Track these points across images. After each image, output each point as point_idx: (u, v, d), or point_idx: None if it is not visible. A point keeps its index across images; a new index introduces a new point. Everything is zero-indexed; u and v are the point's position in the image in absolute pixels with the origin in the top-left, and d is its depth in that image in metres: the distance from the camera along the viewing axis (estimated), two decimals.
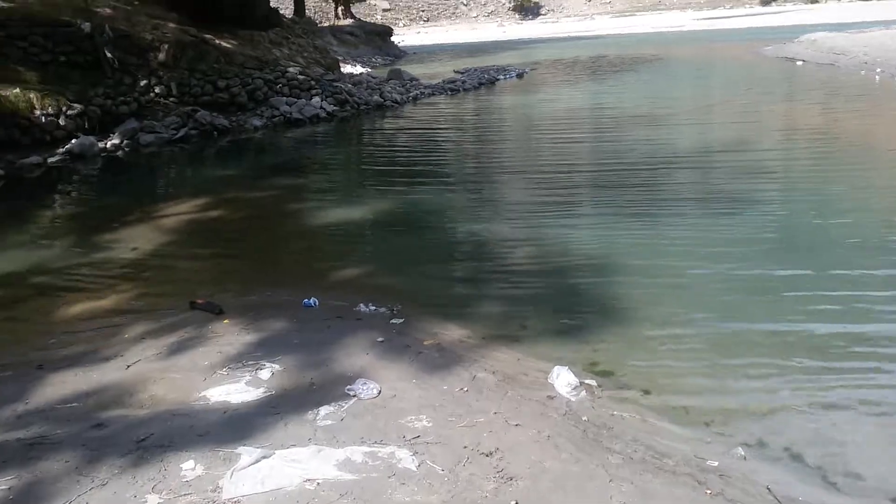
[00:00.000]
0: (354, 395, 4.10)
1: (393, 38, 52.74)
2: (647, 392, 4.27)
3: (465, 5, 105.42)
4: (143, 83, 16.11)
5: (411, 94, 21.76)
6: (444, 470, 3.27)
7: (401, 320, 5.37)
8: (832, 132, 12.79)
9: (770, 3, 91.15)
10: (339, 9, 53.39)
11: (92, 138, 14.00)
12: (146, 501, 3.11)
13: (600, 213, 8.07)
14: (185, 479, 3.28)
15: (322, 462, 3.36)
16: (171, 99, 16.48)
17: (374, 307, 5.64)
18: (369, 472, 3.27)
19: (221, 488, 3.19)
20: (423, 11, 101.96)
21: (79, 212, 10.09)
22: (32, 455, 3.58)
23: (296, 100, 18.03)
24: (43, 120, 13.80)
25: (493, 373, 4.43)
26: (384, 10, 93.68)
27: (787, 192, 8.64)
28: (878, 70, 20.52)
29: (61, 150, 13.43)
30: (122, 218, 8.96)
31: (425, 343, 4.92)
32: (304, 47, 24.53)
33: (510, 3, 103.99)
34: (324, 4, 63.37)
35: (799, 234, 7.02)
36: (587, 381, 4.31)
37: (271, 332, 5.19)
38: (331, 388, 4.23)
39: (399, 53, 49.36)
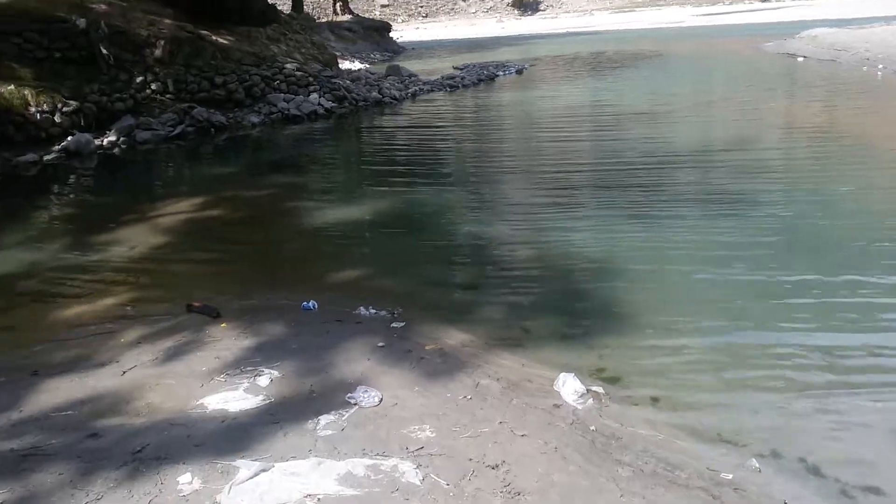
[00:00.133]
0: (355, 404, 4.00)
1: (391, 34, 52.51)
2: (655, 400, 4.18)
3: (464, 1, 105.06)
4: (139, 80, 15.96)
5: (410, 90, 21.62)
6: (448, 484, 3.18)
7: (402, 324, 5.27)
8: (835, 130, 12.70)
9: None
10: (338, 4, 53.19)
11: (88, 135, 13.86)
12: None
13: (602, 214, 7.95)
14: (181, 494, 3.18)
15: (323, 476, 3.27)
16: (168, 95, 16.33)
17: (374, 310, 5.54)
18: (371, 486, 3.17)
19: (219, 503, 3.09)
20: (421, 7, 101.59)
21: (75, 211, 9.96)
22: (26, 467, 3.48)
23: (293, 96, 17.89)
24: (38, 117, 13.65)
25: (498, 379, 4.34)
26: (382, 6, 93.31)
27: (791, 192, 8.53)
28: (881, 66, 20.40)
29: (57, 147, 13.29)
30: (119, 217, 8.84)
31: (427, 348, 4.82)
32: (302, 43, 24.35)
33: None
34: (322, 0, 63.10)
35: (805, 236, 6.91)
36: (594, 389, 4.21)
37: (270, 337, 5.09)
38: (331, 396, 4.13)
39: (397, 49, 49.13)
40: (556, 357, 4.74)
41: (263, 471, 3.30)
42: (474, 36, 62.88)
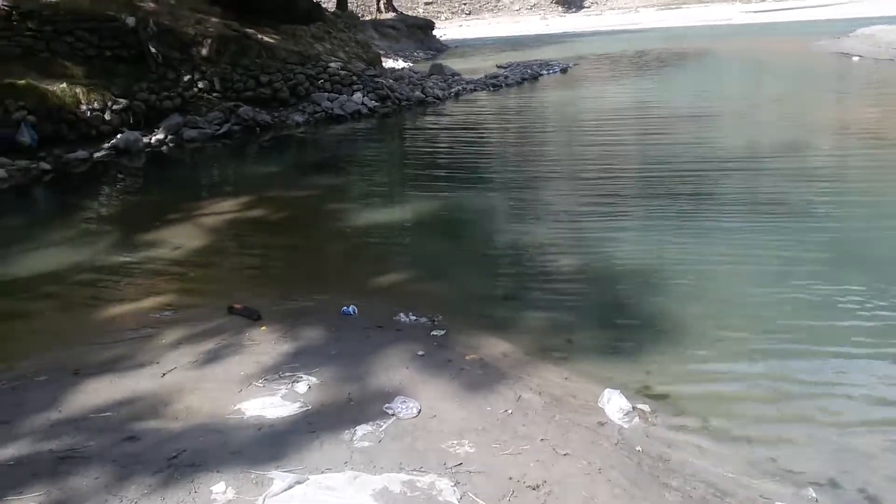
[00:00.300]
0: (393, 414, 3.92)
1: (434, 32, 52.47)
2: (705, 420, 4.00)
3: None
4: (186, 78, 16.19)
5: (453, 89, 21.51)
6: None
7: (442, 332, 5.17)
8: (894, 136, 12.17)
9: None
10: (381, 2, 53.35)
11: (137, 133, 14.10)
12: None
13: (649, 223, 7.70)
14: None
15: (358, 490, 3.18)
16: (214, 94, 16.54)
17: (414, 317, 5.45)
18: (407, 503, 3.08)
19: None
20: (464, 4, 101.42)
21: (122, 208, 10.12)
22: (62, 469, 3.48)
23: (337, 95, 17.95)
24: (89, 115, 13.95)
25: (540, 393, 4.20)
26: (426, 4, 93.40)
27: (847, 202, 8.10)
28: None
29: (107, 144, 13.54)
30: (164, 216, 8.93)
31: (467, 358, 4.71)
32: (346, 42, 24.45)
33: None
34: None
35: (861, 249, 6.54)
36: (640, 406, 4.05)
37: (309, 342, 5.04)
38: (369, 405, 4.05)
39: (441, 47, 49.07)
40: (600, 371, 4.58)
41: (298, 483, 3.23)
42: (518, 34, 62.46)
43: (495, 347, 4.96)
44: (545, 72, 26.88)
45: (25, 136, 12.69)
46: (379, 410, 3.96)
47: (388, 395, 4.14)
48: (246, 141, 14.96)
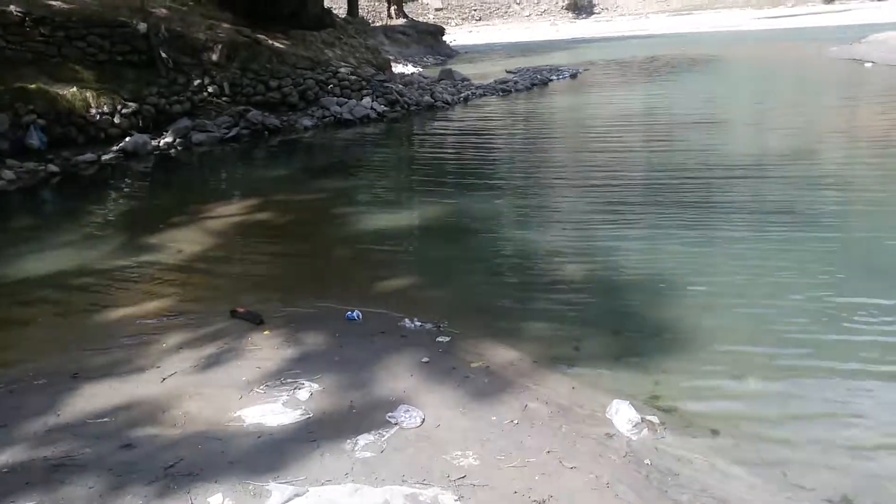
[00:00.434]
0: (396, 424, 3.83)
1: (445, 38, 52.51)
2: (715, 432, 3.88)
3: (518, 4, 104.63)
4: (196, 83, 16.20)
5: (462, 94, 21.45)
6: None
7: (447, 338, 5.08)
8: None
9: (833, 1, 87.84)
10: (392, 8, 53.45)
11: (145, 136, 14.11)
12: None
13: (657, 230, 7.56)
14: None
15: None
16: (224, 98, 16.54)
17: (419, 323, 5.36)
18: None
19: None
20: (475, 10, 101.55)
21: (128, 211, 10.09)
22: (56, 478, 3.41)
23: (346, 100, 17.93)
24: (98, 118, 13.96)
25: (546, 403, 4.10)
26: (436, 10, 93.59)
27: (860, 210, 7.95)
28: None
29: (115, 148, 13.55)
30: (169, 219, 8.89)
31: (472, 365, 4.61)
32: (357, 47, 24.46)
33: (563, 1, 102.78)
34: (377, 4, 63.58)
35: (877, 259, 6.38)
36: (649, 418, 3.94)
37: (312, 347, 4.97)
38: (371, 414, 3.97)
39: (451, 53, 49.09)
40: (608, 381, 4.47)
41: (297, 496, 3.15)
42: (528, 39, 62.44)
43: (501, 355, 4.86)
44: (555, 77, 26.80)
45: (34, 139, 12.71)
46: (382, 419, 3.88)
47: (392, 404, 4.06)
48: (254, 144, 14.94)
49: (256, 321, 5.43)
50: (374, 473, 3.34)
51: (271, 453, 3.57)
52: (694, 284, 5.99)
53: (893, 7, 69.35)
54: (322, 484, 3.25)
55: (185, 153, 14.06)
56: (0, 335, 5.69)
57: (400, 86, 20.49)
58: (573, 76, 27.47)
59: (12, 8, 14.43)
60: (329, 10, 24.32)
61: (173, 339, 5.22)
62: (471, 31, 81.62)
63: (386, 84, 19.69)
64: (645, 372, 4.64)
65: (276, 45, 18.83)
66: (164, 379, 4.53)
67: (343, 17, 30.94)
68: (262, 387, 4.34)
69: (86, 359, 4.96)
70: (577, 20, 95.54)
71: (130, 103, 14.63)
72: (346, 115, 17.14)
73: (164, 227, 8.52)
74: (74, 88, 14.08)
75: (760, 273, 6.13)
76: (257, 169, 13.19)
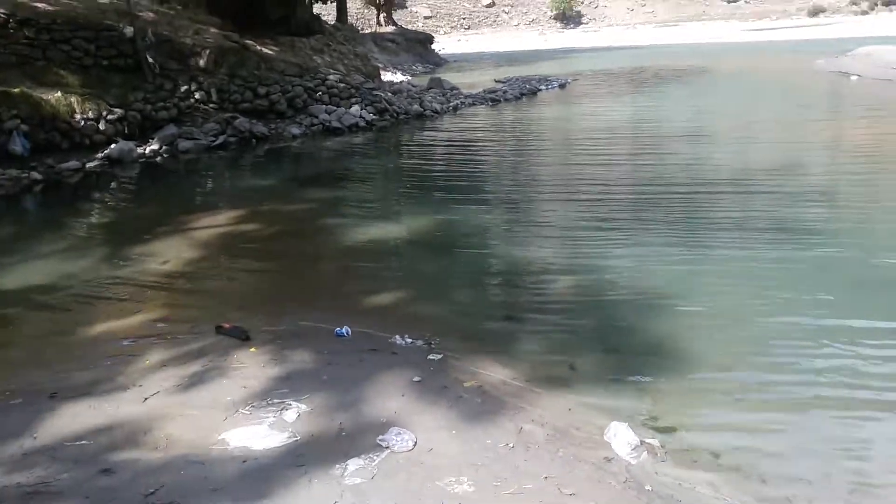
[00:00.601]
0: (387, 447, 3.69)
1: (433, 46, 52.53)
2: (716, 455, 3.77)
3: (507, 13, 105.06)
4: (183, 88, 16.01)
5: (451, 103, 21.38)
6: None
7: (439, 356, 4.95)
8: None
9: (818, 14, 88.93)
10: (381, 16, 53.46)
11: (131, 144, 13.89)
12: None
13: (648, 243, 7.47)
14: None
15: None
16: (211, 105, 16.36)
17: (410, 340, 5.23)
18: None
19: None
20: (464, 19, 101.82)
21: (112, 220, 9.90)
22: None
23: (335, 108, 17.79)
24: (83, 124, 13.74)
25: (542, 425, 3.98)
26: (425, 18, 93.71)
27: (856, 226, 7.87)
28: None
29: (100, 155, 13.33)
30: (154, 228, 8.71)
31: (465, 385, 4.49)
32: (346, 54, 24.35)
33: (552, 11, 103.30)
34: (366, 11, 63.56)
35: (875, 276, 6.33)
36: (648, 441, 3.83)
37: (300, 365, 4.82)
38: (361, 436, 3.83)
39: (439, 61, 49.09)
40: (605, 401, 4.36)
41: None
42: (516, 49, 62.59)
43: (494, 373, 4.74)
44: (543, 87, 26.80)
45: (17, 146, 12.47)
46: (372, 442, 3.74)
47: (383, 426, 3.92)
48: (241, 153, 14.77)
49: (243, 337, 5.27)
50: (364, 501, 3.20)
51: (257, 479, 3.43)
52: (686, 302, 5.88)
53: (875, 21, 70.32)
54: None
55: (171, 161, 13.87)
56: None
57: (389, 94, 20.40)
58: (562, 86, 27.49)
59: None
60: (318, 17, 24.20)
61: (156, 355, 5.05)
62: (459, 40, 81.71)
63: (375, 92, 19.58)
64: (641, 392, 4.53)
65: (265, 51, 18.68)
66: (146, 399, 4.37)
67: (332, 23, 30.86)
68: (247, 407, 4.19)
69: (65, 376, 4.79)
70: (565, 30, 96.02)
71: (116, 109, 14.41)
72: (335, 124, 17.00)
73: (149, 237, 8.34)
74: (59, 93, 13.86)
75: (754, 291, 6.04)
76: (244, 178, 13.02)
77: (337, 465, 3.53)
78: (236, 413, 4.14)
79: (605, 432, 3.88)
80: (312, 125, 16.88)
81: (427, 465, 3.54)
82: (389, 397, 4.28)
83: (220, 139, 15.07)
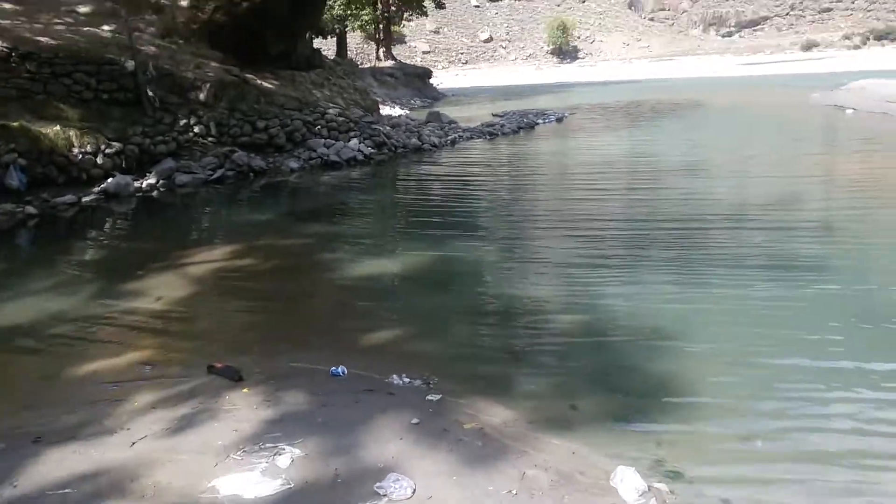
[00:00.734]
0: (385, 496, 3.54)
1: (432, 80, 53.11)
2: (725, 502, 3.62)
3: (504, 48, 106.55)
4: (182, 122, 16.04)
5: (449, 137, 21.47)
6: None
7: (437, 396, 4.80)
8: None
9: (811, 49, 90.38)
10: (381, 50, 54.13)
11: (128, 178, 13.85)
12: None
13: (649, 278, 7.37)
14: None
15: None
16: (210, 139, 16.37)
17: (407, 379, 5.09)
18: None
19: None
20: (462, 54, 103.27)
21: (105, 256, 9.77)
22: None
23: (334, 141, 17.83)
24: (80, 158, 13.69)
25: (545, 470, 3.83)
26: (424, 53, 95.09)
27: (856, 261, 7.75)
28: None
29: (97, 189, 13.28)
30: (149, 264, 8.59)
31: (465, 427, 4.34)
32: (345, 88, 24.55)
33: (548, 46, 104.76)
34: (365, 46, 64.42)
35: (878, 311, 6.19)
36: (656, 486, 3.68)
37: (293, 407, 4.67)
38: (358, 484, 3.67)
39: (438, 95, 49.61)
40: (609, 444, 4.21)
41: None
42: (514, 83, 63.37)
43: (495, 415, 4.59)
44: (541, 121, 26.99)
45: (14, 180, 12.40)
46: (369, 490, 3.58)
47: (380, 472, 3.76)
48: (239, 187, 14.73)
49: (235, 378, 5.13)
50: None
51: None
52: (687, 340, 5.74)
53: (868, 55, 71.33)
54: None
55: (168, 195, 13.81)
56: None
57: (387, 128, 20.48)
58: (559, 120, 27.69)
59: None
60: (318, 51, 24.41)
61: (146, 396, 4.90)
62: (457, 75, 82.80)
63: (374, 126, 19.65)
64: (646, 433, 4.39)
65: (265, 84, 18.78)
66: (133, 443, 4.21)
67: (332, 58, 31.18)
68: (239, 452, 4.03)
69: (51, 419, 4.63)
70: (561, 64, 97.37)
71: (114, 143, 14.39)
72: (333, 157, 17.01)
73: (142, 273, 8.21)
74: (58, 127, 13.84)
75: (756, 328, 5.92)
76: (241, 212, 12.94)
77: None
78: (227, 458, 3.98)
79: (612, 477, 3.72)
80: (311, 159, 16.89)
81: None
82: (387, 441, 4.13)
83: (218, 173, 15.04)
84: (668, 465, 3.99)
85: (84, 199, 12.75)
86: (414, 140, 19.92)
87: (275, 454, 4.00)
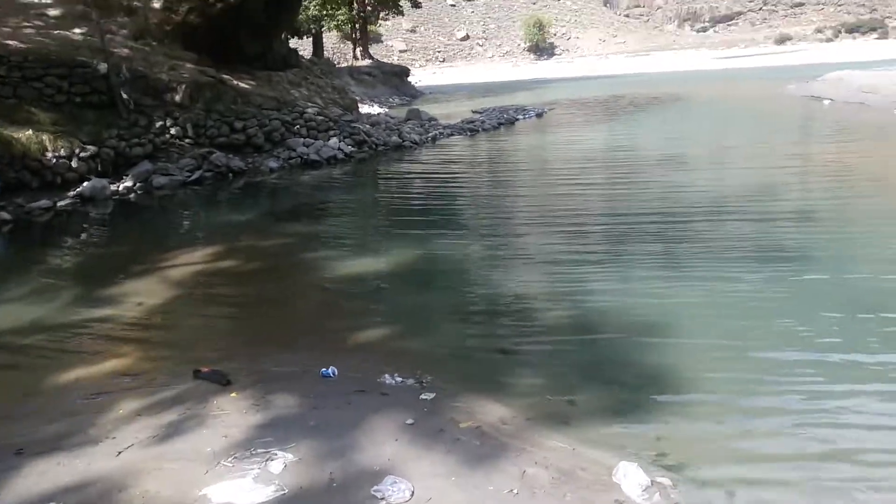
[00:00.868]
0: (383, 499, 3.44)
1: (409, 78, 52.92)
2: (731, 494, 3.56)
3: (481, 46, 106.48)
4: (158, 124, 15.76)
5: (430, 134, 21.36)
6: None
7: (431, 395, 4.71)
8: (882, 178, 12.11)
9: (784, 42, 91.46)
10: (357, 49, 53.82)
11: (104, 181, 13.58)
12: None
13: (636, 270, 7.32)
14: None
15: None
16: (187, 140, 16.11)
17: (400, 378, 4.99)
18: None
19: None
20: (439, 52, 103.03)
21: (83, 261, 9.54)
22: None
23: (313, 141, 17.64)
24: (54, 162, 13.39)
25: (546, 467, 3.75)
26: (401, 51, 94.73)
27: (842, 249, 7.77)
28: None
29: (72, 193, 13.01)
30: (128, 268, 8.40)
31: (462, 426, 4.25)
32: (323, 87, 24.29)
33: (525, 43, 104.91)
34: (342, 45, 63.97)
35: (869, 300, 6.18)
36: (659, 480, 3.61)
37: (284, 410, 4.54)
38: (354, 488, 3.57)
39: (416, 93, 49.43)
40: (609, 438, 4.14)
41: None
42: (491, 80, 63.31)
43: (491, 412, 4.51)
44: (521, 116, 26.96)
45: None
46: (366, 494, 3.48)
47: (376, 474, 3.66)
48: (217, 188, 14.50)
49: (222, 382, 4.99)
50: None
51: None
52: (678, 332, 5.70)
53: (839, 48, 72.31)
54: None
55: (145, 198, 13.57)
56: None
57: (367, 126, 20.32)
58: (539, 115, 27.68)
59: None
60: (295, 51, 24.17)
61: (131, 404, 4.75)
62: (434, 73, 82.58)
63: (353, 124, 19.48)
64: (645, 424, 4.34)
65: (241, 85, 18.53)
66: (119, 452, 4.06)
67: (308, 58, 30.90)
68: (229, 459, 3.90)
69: (34, 429, 4.47)
70: (538, 61, 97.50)
71: (89, 146, 14.10)
72: (313, 156, 16.83)
73: (123, 277, 8.02)
74: (30, 131, 13.53)
75: (745, 319, 5.90)
76: (221, 213, 12.73)
77: None
78: (218, 465, 3.85)
79: (614, 473, 3.65)
80: (290, 158, 16.69)
81: None
82: (382, 443, 4.02)
83: (196, 174, 14.81)
84: (670, 457, 3.93)
85: (59, 204, 12.47)
86: (394, 138, 19.78)
87: (267, 459, 3.88)
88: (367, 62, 50.49)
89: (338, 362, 5.27)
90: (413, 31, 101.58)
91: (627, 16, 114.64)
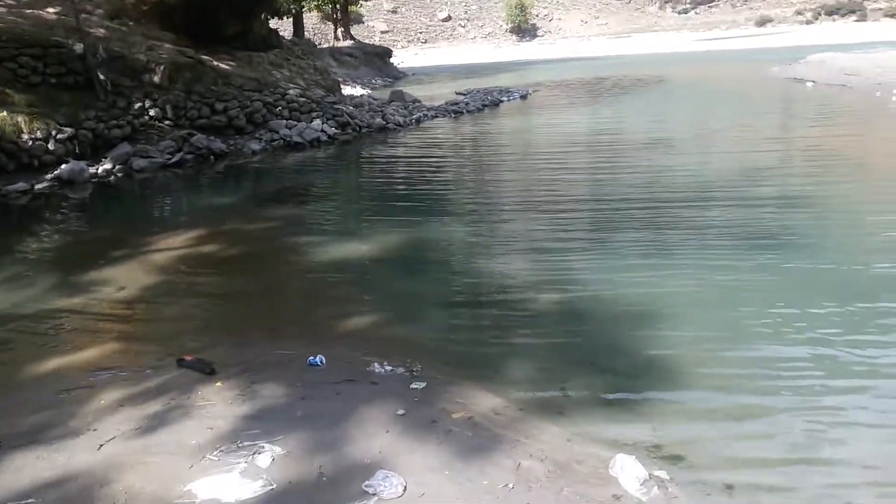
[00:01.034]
0: (374, 494, 3.34)
1: (392, 60, 52.39)
2: (730, 487, 3.51)
3: (463, 27, 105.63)
4: (137, 106, 15.43)
5: (414, 116, 21.13)
6: None
7: (422, 384, 4.61)
8: (869, 161, 12.13)
9: (765, 24, 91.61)
10: (339, 30, 53.14)
11: (82, 164, 13.28)
12: None
13: (627, 255, 7.26)
14: None
15: None
16: (167, 122, 15.80)
17: (389, 367, 4.88)
18: None
19: None
20: (420, 33, 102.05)
21: (62, 245, 9.30)
22: None
23: (296, 122, 17.37)
24: (31, 144, 13.07)
25: (541, 460, 3.67)
26: (382, 32, 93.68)
27: (835, 234, 7.76)
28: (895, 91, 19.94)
29: (50, 175, 12.71)
30: (108, 253, 8.20)
31: (454, 416, 4.16)
32: (305, 69, 23.93)
33: (507, 24, 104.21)
34: (323, 26, 63.17)
35: (862, 286, 6.17)
36: (657, 473, 3.55)
37: (271, 401, 4.43)
38: (344, 482, 3.47)
39: (398, 75, 48.96)
40: (604, 430, 4.06)
41: None
42: (474, 61, 62.81)
43: (484, 402, 4.42)
44: (505, 98, 26.78)
45: None
46: (357, 489, 3.39)
47: (367, 468, 3.57)
48: (199, 170, 14.24)
49: (207, 371, 4.86)
50: None
51: None
52: (670, 319, 5.62)
53: (820, 30, 72.59)
54: None
55: (125, 180, 13.30)
56: None
57: (351, 108, 20.06)
58: (523, 97, 27.50)
59: None
60: (275, 31, 23.80)
61: (112, 394, 4.61)
62: (417, 54, 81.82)
63: (336, 106, 19.22)
64: (640, 414, 4.27)
65: (222, 66, 18.18)
66: (101, 445, 3.94)
67: (289, 39, 30.42)
68: (215, 452, 3.79)
69: (11, 422, 4.32)
70: (520, 43, 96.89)
71: (66, 128, 13.77)
72: (296, 138, 16.59)
73: (103, 262, 7.82)
74: (4, 113, 13.16)
75: (743, 304, 5.84)
76: (203, 196, 12.49)
77: None
78: (203, 459, 3.74)
79: (611, 466, 3.58)
80: (273, 140, 16.44)
81: None
82: (373, 434, 3.93)
83: (177, 157, 14.53)
84: (667, 449, 3.88)
85: (37, 187, 12.19)
86: (378, 120, 19.54)
87: (254, 453, 3.77)
88: (348, 43, 49.87)
89: (325, 350, 5.16)
90: (394, 11, 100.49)
91: None
